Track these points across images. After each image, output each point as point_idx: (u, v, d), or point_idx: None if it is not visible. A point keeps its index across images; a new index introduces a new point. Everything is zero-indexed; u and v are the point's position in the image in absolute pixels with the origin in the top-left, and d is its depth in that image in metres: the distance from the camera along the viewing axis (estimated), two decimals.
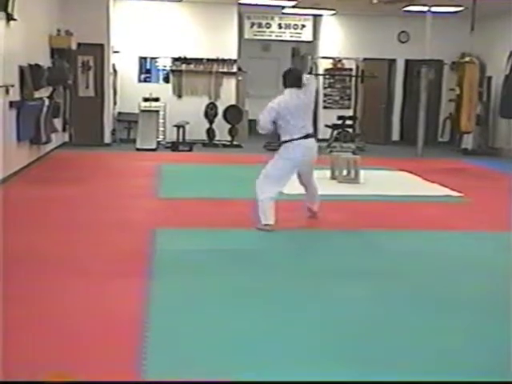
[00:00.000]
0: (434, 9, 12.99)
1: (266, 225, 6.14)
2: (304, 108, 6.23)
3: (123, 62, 13.87)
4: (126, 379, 3.05)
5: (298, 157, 6.18)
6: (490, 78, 14.05)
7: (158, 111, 13.41)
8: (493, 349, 3.52)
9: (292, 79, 6.24)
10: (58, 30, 11.72)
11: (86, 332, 3.60)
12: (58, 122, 11.40)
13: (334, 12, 14.31)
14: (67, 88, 12.04)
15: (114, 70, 13.51)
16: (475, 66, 12.90)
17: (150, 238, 5.68)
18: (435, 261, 5.38)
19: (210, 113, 13.94)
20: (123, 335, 3.57)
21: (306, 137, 6.20)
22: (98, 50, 12.87)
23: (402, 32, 15.13)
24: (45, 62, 10.57)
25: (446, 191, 8.71)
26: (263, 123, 6.21)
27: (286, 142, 6.21)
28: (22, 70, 8.84)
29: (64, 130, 12.37)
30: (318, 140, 6.61)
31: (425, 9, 12.98)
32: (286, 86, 6.26)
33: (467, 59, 12.93)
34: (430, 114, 14.00)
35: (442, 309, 4.19)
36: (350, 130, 13.70)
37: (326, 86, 15.29)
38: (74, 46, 11.98)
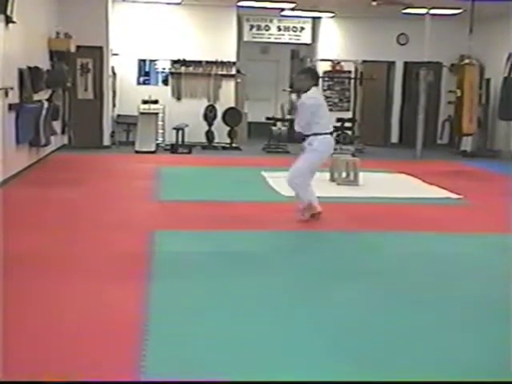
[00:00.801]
0: (432, 11, 13.04)
1: (319, 212, 6.56)
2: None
3: (122, 65, 13.88)
4: (125, 379, 3.05)
5: (325, 150, 6.63)
6: (488, 80, 14.07)
7: (157, 113, 13.39)
8: (493, 348, 3.52)
9: (316, 78, 6.82)
10: (57, 33, 11.73)
11: (86, 332, 3.60)
12: (57, 125, 11.41)
13: (332, 14, 14.35)
14: (66, 90, 12.06)
15: (113, 73, 13.52)
16: (475, 67, 12.90)
17: (149, 240, 5.68)
18: (435, 262, 5.38)
19: (209, 115, 13.94)
20: (123, 335, 3.57)
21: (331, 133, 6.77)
22: (97, 53, 12.88)
23: (401, 34, 15.15)
24: (44, 64, 10.58)
25: (445, 193, 8.71)
26: (300, 124, 6.57)
27: (319, 134, 6.51)
28: (21, 73, 8.84)
29: (63, 132, 12.36)
30: None
31: (424, 11, 13.03)
32: (315, 84, 6.75)
33: (467, 61, 12.93)
34: (428, 116, 14.01)
35: (442, 309, 4.19)
36: (349, 132, 13.72)
37: (325, 88, 15.27)
38: (73, 49, 11.98)
